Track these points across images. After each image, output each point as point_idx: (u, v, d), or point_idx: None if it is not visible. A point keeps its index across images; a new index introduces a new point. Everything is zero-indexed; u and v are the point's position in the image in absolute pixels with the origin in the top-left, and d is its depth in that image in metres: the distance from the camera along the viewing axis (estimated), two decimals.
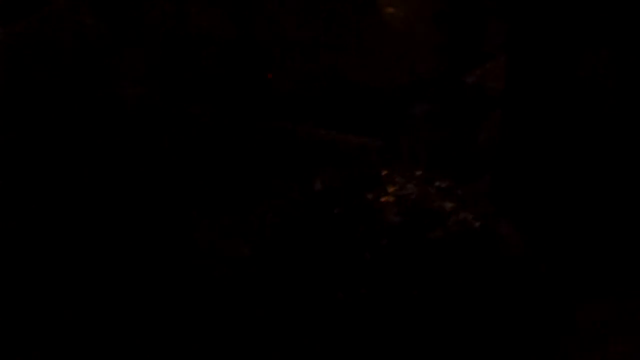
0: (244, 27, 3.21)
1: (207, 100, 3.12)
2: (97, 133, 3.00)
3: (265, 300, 2.66)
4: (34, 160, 3.01)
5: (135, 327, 2.72)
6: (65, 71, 3.17)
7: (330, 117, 3.16)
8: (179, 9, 3.25)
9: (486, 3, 3.22)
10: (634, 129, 3.16)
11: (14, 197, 2.94)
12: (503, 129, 3.17)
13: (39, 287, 2.79)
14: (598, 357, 2.79)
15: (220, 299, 2.73)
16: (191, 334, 2.72)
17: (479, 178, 3.16)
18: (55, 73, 3.16)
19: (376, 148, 2.89)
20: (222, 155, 2.87)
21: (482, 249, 2.61)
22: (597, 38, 3.17)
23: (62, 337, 2.71)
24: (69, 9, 3.31)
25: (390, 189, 2.65)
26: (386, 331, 2.58)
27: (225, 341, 2.71)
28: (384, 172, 2.68)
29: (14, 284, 2.78)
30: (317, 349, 2.60)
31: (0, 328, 2.71)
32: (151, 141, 2.98)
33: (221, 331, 2.71)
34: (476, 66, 3.22)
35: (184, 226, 2.82)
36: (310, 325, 2.61)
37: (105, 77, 3.11)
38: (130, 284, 2.77)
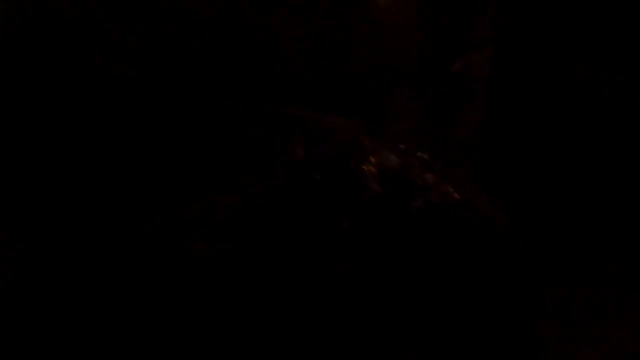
0: (232, 10, 3.22)
1: (195, 81, 3.12)
2: (79, 111, 2.98)
3: (241, 269, 2.65)
4: (10, 138, 2.98)
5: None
6: (51, 48, 3.16)
7: (315, 101, 3.16)
8: None
9: None
10: (612, 120, 3.19)
11: None
12: (485, 117, 3.19)
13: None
14: (569, 342, 2.79)
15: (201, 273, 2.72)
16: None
17: (460, 164, 3.16)
18: (41, 50, 3.15)
19: (358, 128, 2.89)
20: (206, 131, 2.86)
21: (461, 219, 2.61)
22: (583, 33, 3.21)
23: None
24: None
25: (373, 159, 2.65)
26: (358, 299, 2.57)
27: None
28: (367, 143, 2.68)
29: None
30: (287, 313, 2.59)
31: None
32: (138, 121, 2.96)
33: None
34: (462, 55, 3.24)
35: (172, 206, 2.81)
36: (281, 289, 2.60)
37: (92, 54, 3.11)
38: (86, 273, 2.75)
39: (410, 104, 3.22)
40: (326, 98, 3.15)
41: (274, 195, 2.65)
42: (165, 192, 2.80)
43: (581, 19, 3.24)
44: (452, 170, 2.75)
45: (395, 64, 3.20)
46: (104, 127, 2.84)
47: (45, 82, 3.04)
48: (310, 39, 3.16)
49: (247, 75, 3.09)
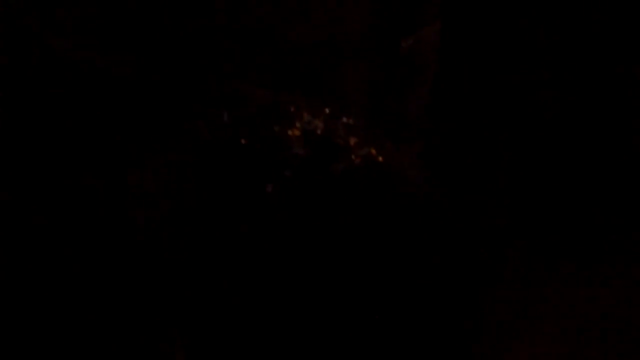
0: None
1: (138, 55, 3.16)
2: (21, 88, 3.01)
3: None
4: None
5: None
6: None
7: (264, 75, 3.19)
8: None
9: None
10: (568, 93, 3.18)
11: None
12: (435, 92, 3.20)
13: None
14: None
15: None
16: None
17: (411, 141, 3.18)
18: None
19: (286, 96, 2.91)
20: (135, 103, 2.90)
21: (384, 181, 2.63)
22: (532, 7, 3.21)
23: None
24: None
25: (298, 124, 2.69)
26: (283, 260, 2.60)
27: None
28: (292, 108, 2.71)
29: None
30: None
31: None
32: (79, 95, 3.00)
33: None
34: (411, 31, 3.26)
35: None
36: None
37: (33, 28, 3.15)
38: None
39: (359, 79, 3.24)
40: (268, 72, 3.18)
41: (201, 161, 2.70)
42: (101, 162, 2.86)
43: None
44: (378, 134, 2.77)
45: (343, 39, 3.23)
46: (50, 100, 2.90)
47: None
48: (249, 10, 3.19)
49: (184, 51, 3.13)
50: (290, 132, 2.68)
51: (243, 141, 2.69)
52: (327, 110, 2.74)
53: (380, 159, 2.64)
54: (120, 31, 3.18)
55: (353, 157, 2.65)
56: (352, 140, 2.68)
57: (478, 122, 3.22)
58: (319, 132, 2.68)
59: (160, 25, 3.20)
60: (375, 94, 3.26)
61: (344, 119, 2.72)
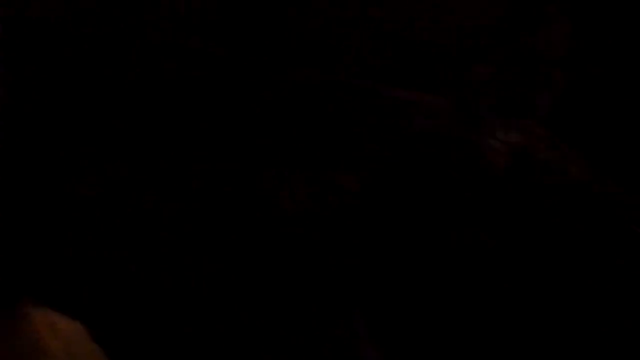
0: None
1: (227, 43, 2.93)
2: (111, 76, 2.76)
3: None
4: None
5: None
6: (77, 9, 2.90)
7: (386, 75, 3.02)
8: None
9: None
10: None
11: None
12: (566, 93, 3.11)
13: None
14: None
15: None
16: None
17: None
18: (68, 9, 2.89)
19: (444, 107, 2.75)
20: (313, 107, 2.68)
21: (591, 205, 2.51)
22: None
23: None
24: None
25: (495, 134, 2.54)
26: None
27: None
28: (486, 117, 2.56)
29: None
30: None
31: None
32: (180, 86, 2.76)
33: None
34: (539, 29, 3.15)
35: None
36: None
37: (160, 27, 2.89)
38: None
39: (489, 78, 3.12)
40: (399, 71, 3.02)
41: (395, 172, 2.50)
42: (273, 169, 2.63)
43: None
44: (572, 148, 2.65)
45: (473, 38, 3.10)
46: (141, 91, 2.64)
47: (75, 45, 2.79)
48: (379, 8, 3.02)
49: (319, 49, 2.92)
50: (492, 142, 2.52)
51: (435, 151, 2.51)
52: (520, 122, 2.59)
53: (585, 178, 2.52)
54: (240, 23, 2.94)
55: (555, 174, 2.52)
56: (552, 155, 2.55)
57: (615, 112, 3.13)
58: (518, 144, 2.54)
59: (286, 18, 2.98)
60: (504, 94, 3.14)
61: (539, 131, 2.58)
